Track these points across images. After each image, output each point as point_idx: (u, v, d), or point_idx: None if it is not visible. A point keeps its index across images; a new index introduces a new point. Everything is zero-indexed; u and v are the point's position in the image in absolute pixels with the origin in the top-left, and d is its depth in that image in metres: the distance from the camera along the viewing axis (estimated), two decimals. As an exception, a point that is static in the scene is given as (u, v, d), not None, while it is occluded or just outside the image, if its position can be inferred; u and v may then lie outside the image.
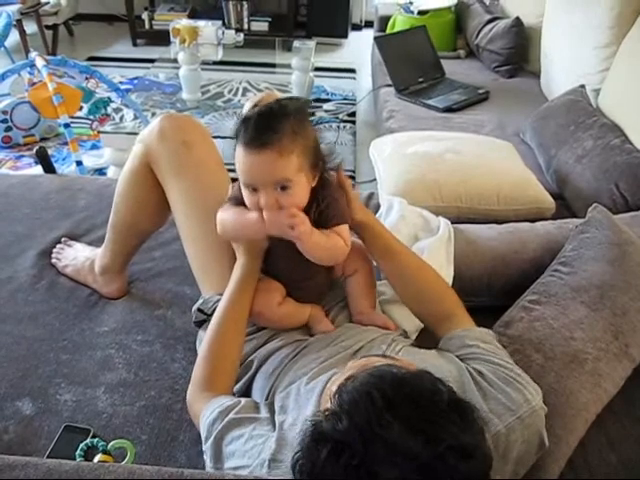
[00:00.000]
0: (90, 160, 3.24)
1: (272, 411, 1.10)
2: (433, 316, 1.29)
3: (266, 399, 1.17)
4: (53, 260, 1.76)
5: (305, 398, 1.06)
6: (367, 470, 0.75)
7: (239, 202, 1.20)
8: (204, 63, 3.62)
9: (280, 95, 1.23)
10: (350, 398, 0.80)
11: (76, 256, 1.73)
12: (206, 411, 1.09)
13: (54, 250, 1.79)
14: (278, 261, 1.27)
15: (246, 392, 1.27)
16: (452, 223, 1.65)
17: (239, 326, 1.24)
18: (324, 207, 1.18)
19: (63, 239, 1.83)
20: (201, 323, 1.40)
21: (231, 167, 1.31)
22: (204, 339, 1.24)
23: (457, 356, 1.15)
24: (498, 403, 1.02)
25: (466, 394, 0.99)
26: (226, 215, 1.22)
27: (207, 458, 1.05)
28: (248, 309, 1.25)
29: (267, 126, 1.08)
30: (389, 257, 1.29)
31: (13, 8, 4.32)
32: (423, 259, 1.35)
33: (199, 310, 1.38)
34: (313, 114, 1.09)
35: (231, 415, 1.05)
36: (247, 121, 1.10)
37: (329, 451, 0.77)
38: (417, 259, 1.33)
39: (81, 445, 1.23)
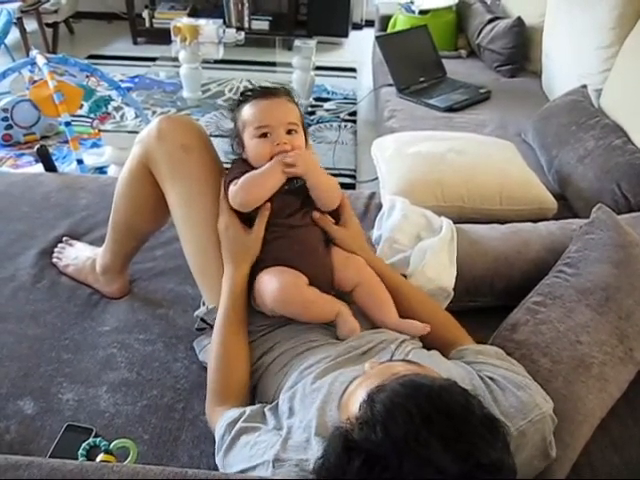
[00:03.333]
0: (91, 159, 3.23)
1: (276, 413, 1.11)
2: (436, 344, 1.27)
3: (272, 399, 1.17)
4: (54, 260, 1.76)
5: (310, 398, 1.06)
6: None
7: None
8: (205, 62, 3.61)
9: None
10: (384, 409, 0.79)
11: (77, 255, 1.73)
12: (217, 425, 1.11)
13: (55, 250, 1.78)
14: (293, 251, 1.27)
15: (252, 392, 1.27)
16: (454, 223, 1.64)
17: (240, 337, 1.26)
18: None
19: (64, 238, 1.82)
20: (203, 329, 1.41)
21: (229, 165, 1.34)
22: (210, 354, 1.26)
23: (466, 362, 1.15)
24: (509, 406, 1.01)
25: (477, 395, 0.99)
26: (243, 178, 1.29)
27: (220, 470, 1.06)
28: (246, 319, 1.27)
29: (271, 88, 1.34)
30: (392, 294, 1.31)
31: (13, 6, 4.30)
32: (423, 292, 1.40)
33: (201, 319, 1.38)
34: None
35: (239, 424, 1.07)
36: (250, 90, 1.34)
37: (362, 462, 0.76)
38: (419, 293, 1.37)
39: (83, 445, 1.22)
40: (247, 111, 1.30)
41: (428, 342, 1.27)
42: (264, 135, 1.27)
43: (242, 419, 1.08)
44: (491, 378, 1.08)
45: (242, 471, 0.99)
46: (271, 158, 1.27)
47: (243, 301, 1.27)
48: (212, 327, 1.32)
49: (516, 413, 1.00)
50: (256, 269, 1.28)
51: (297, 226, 1.28)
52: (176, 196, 1.42)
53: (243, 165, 1.31)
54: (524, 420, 1.00)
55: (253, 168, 1.29)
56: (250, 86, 1.39)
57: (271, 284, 1.23)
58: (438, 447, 0.74)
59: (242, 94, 1.34)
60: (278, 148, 1.26)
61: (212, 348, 1.26)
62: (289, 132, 1.28)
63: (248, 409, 1.11)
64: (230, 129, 1.36)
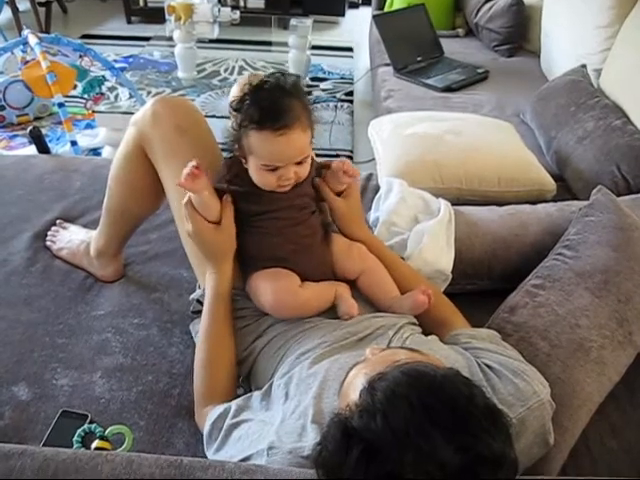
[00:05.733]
0: (85, 140, 3.20)
1: (269, 394, 1.10)
2: (428, 322, 1.27)
3: (269, 380, 1.16)
4: (47, 243, 1.74)
5: (306, 383, 1.05)
6: (398, 476, 0.73)
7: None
8: (200, 41, 3.56)
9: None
10: (385, 398, 0.77)
11: (71, 239, 1.71)
12: (205, 424, 1.11)
13: (49, 232, 1.76)
14: (287, 250, 1.24)
15: (248, 377, 1.27)
16: (452, 205, 1.63)
17: (226, 339, 1.25)
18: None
19: (58, 221, 1.80)
20: (199, 312, 1.39)
21: (226, 147, 1.30)
22: (195, 355, 1.26)
23: (464, 348, 1.14)
24: (507, 394, 1.01)
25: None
26: None
27: None
28: (231, 318, 1.26)
29: (285, 106, 1.13)
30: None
31: (5, -15, 4.25)
32: (413, 269, 1.39)
33: (197, 301, 1.37)
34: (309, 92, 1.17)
35: (227, 421, 1.06)
36: (262, 103, 1.13)
37: (361, 452, 0.75)
38: (414, 273, 1.36)
39: (78, 431, 1.21)
40: (257, 143, 1.15)
41: (422, 322, 1.27)
42: (273, 169, 1.17)
43: (230, 415, 1.07)
44: (488, 366, 1.07)
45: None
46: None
47: (228, 302, 1.27)
48: None
49: (514, 401, 1.00)
50: (249, 268, 1.26)
51: (291, 223, 1.24)
52: (171, 177, 1.40)
53: (228, 173, 1.25)
54: (522, 407, 0.99)
55: (244, 187, 1.23)
56: (255, 80, 1.12)
57: (264, 294, 1.22)
58: (439, 438, 0.73)
59: (250, 98, 1.15)
60: (285, 182, 1.19)
61: (197, 349, 1.26)
62: (298, 163, 1.19)
63: (234, 404, 1.10)
64: (230, 131, 1.20)
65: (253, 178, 1.20)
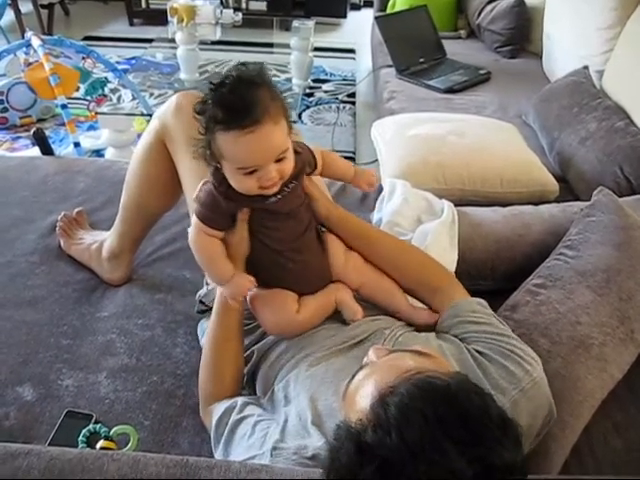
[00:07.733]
0: (88, 141, 3.21)
1: (272, 400, 1.11)
2: (420, 291, 1.26)
3: (270, 387, 1.17)
4: (59, 231, 1.74)
5: (303, 385, 1.06)
6: None
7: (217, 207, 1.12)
8: (202, 43, 3.57)
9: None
10: (400, 413, 0.76)
11: (84, 237, 1.72)
12: (212, 420, 1.11)
13: (63, 219, 1.77)
14: (287, 270, 1.19)
15: (251, 380, 1.27)
16: (455, 206, 1.63)
17: (233, 342, 1.22)
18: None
19: (76, 210, 1.81)
20: (204, 312, 1.40)
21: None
22: (202, 355, 1.25)
23: (454, 335, 1.14)
24: (500, 378, 1.01)
25: (467, 372, 0.98)
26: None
27: None
28: (240, 321, 1.23)
29: (250, 99, 1.00)
30: (361, 241, 1.27)
31: (8, -13, 4.27)
32: (397, 237, 1.37)
33: (200, 302, 1.37)
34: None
35: (233, 417, 1.07)
36: (224, 101, 1.01)
37: (376, 467, 0.73)
38: (392, 239, 1.33)
39: (83, 431, 1.21)
40: (227, 146, 1.02)
41: (409, 289, 1.26)
42: (251, 172, 1.04)
43: (236, 410, 1.08)
44: (479, 351, 1.07)
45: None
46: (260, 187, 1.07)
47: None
48: (212, 308, 1.30)
49: (506, 384, 1.01)
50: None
51: (292, 237, 1.17)
52: (189, 167, 1.42)
53: (220, 185, 1.11)
54: (515, 390, 1.00)
55: (230, 195, 1.10)
56: (216, 81, 1.02)
57: (262, 322, 1.21)
58: (454, 451, 0.72)
59: (212, 98, 1.02)
60: (268, 183, 1.05)
61: (204, 352, 1.25)
62: (279, 160, 1.05)
63: (239, 399, 1.11)
64: (201, 136, 1.06)
65: (233, 185, 1.07)
